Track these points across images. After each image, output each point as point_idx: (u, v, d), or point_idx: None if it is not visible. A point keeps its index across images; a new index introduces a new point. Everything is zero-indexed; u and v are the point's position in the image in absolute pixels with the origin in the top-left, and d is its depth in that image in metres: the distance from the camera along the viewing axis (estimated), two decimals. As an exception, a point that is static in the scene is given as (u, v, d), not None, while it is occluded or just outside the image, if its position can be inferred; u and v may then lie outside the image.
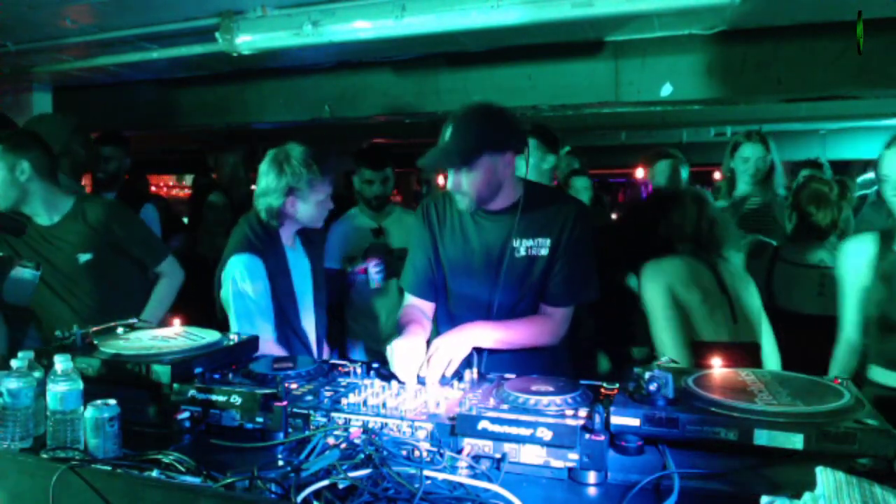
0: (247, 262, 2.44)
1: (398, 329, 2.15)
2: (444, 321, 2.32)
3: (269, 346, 2.41)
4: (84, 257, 2.75)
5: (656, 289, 2.39)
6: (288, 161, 2.50)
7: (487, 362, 2.17)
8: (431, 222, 2.33)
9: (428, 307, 2.33)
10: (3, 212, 2.60)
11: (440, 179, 5.89)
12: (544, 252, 2.21)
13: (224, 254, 2.53)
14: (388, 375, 1.84)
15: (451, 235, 2.29)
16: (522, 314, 2.23)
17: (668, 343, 2.33)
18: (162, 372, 1.72)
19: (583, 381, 1.69)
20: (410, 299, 2.35)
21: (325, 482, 1.28)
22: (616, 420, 1.44)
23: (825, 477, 1.24)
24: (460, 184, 2.13)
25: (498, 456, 1.46)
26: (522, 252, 2.21)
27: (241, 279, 2.43)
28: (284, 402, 1.60)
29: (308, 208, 2.55)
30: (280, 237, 2.59)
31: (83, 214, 2.77)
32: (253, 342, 2.07)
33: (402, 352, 1.87)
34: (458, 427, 1.48)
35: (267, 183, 2.51)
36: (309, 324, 2.67)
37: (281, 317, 2.51)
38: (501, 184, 2.17)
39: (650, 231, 2.59)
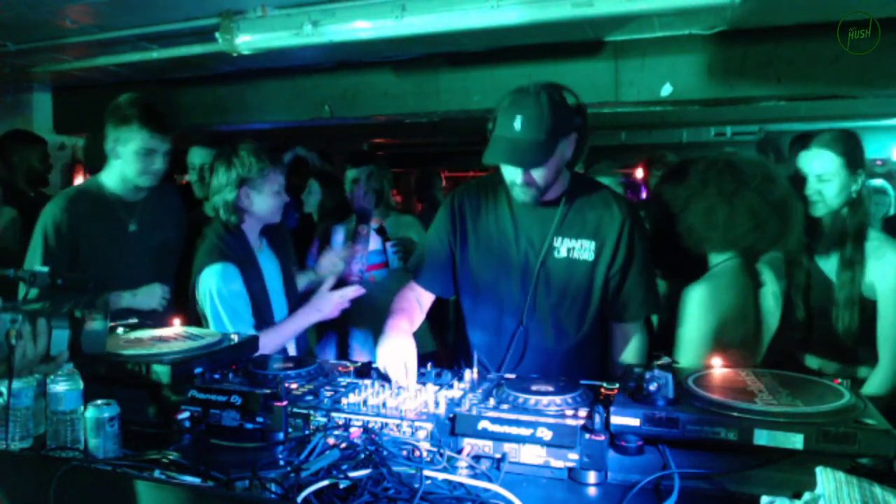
0: (221, 270, 2.38)
1: (389, 315, 2.09)
2: (474, 320, 2.22)
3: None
4: None
5: None
6: (235, 153, 2.45)
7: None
8: (464, 215, 2.18)
9: (427, 298, 2.25)
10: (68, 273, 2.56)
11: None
12: (587, 256, 2.06)
13: (195, 266, 2.46)
14: (387, 377, 1.83)
15: (487, 229, 2.15)
16: (559, 320, 2.10)
17: None
18: (162, 372, 1.72)
19: (583, 381, 1.69)
20: (413, 284, 2.25)
21: (326, 482, 1.28)
22: (616, 420, 1.44)
23: (825, 477, 1.24)
24: (533, 178, 1.95)
25: (498, 456, 1.46)
26: (563, 253, 2.06)
27: (218, 290, 2.36)
28: (284, 402, 1.60)
29: (262, 199, 2.48)
30: (247, 239, 2.53)
31: None
32: (253, 342, 2.07)
33: (390, 355, 1.82)
34: (457, 427, 1.48)
35: (218, 179, 2.46)
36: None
37: (258, 319, 2.47)
38: (562, 169, 2.03)
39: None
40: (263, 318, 2.49)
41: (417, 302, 2.23)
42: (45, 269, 1.55)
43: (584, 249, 2.06)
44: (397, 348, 1.83)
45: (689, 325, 2.11)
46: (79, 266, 2.58)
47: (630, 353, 2.16)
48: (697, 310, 2.11)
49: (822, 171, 2.35)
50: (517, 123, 1.86)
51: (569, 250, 2.07)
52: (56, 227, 2.53)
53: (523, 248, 2.10)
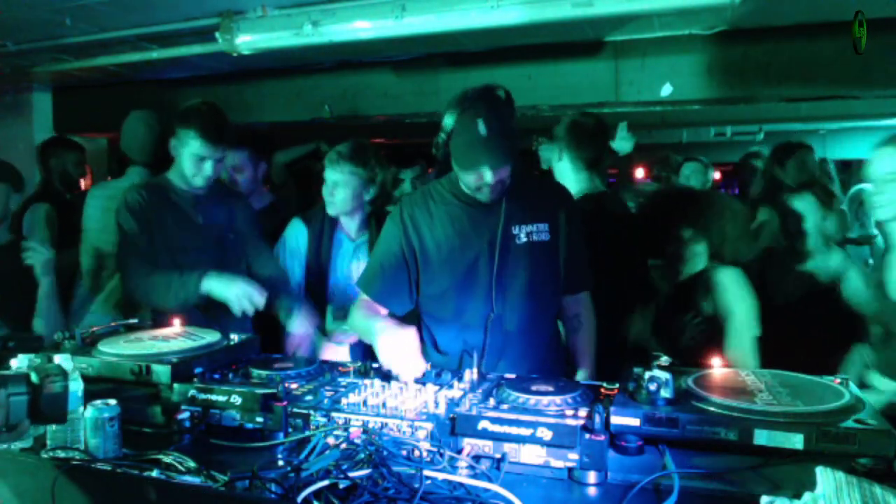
0: (294, 225, 2.93)
1: (363, 320, 2.07)
2: (447, 324, 2.22)
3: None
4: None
5: None
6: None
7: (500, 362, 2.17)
8: (417, 225, 2.18)
9: (382, 313, 2.19)
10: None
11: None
12: (545, 237, 2.17)
13: None
14: (388, 375, 1.82)
15: (445, 234, 2.16)
16: (534, 305, 2.18)
17: None
18: (162, 372, 1.73)
19: (584, 382, 1.69)
20: (367, 301, 2.21)
21: (325, 482, 1.28)
22: (616, 420, 1.44)
23: (825, 477, 1.24)
24: (503, 175, 2.01)
25: (498, 456, 1.46)
26: (523, 238, 2.15)
27: (286, 235, 2.94)
28: (284, 402, 1.60)
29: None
30: (335, 223, 2.87)
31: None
32: (253, 342, 2.07)
33: (394, 347, 1.78)
34: (457, 427, 1.48)
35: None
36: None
37: (310, 293, 2.83)
38: None
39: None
40: (314, 296, 2.84)
41: (379, 312, 2.19)
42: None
43: (541, 232, 2.17)
44: (399, 339, 1.79)
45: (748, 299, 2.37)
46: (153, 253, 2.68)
47: (588, 320, 2.32)
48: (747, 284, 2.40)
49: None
50: (481, 127, 1.92)
51: (528, 234, 2.15)
52: (132, 213, 2.65)
53: (485, 243, 2.14)
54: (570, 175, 3.08)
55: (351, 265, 2.86)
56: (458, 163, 2.02)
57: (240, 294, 2.43)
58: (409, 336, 1.83)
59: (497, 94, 2.01)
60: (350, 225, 2.89)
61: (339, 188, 2.73)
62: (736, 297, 2.39)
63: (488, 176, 1.99)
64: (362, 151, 2.73)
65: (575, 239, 2.24)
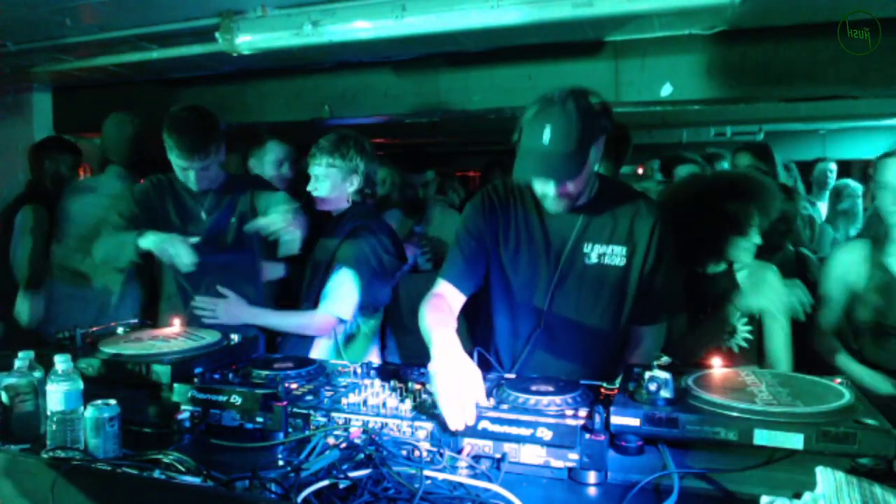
0: None
1: (428, 325, 1.80)
2: (498, 324, 2.12)
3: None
4: None
5: None
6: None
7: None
8: (496, 214, 2.07)
9: (459, 301, 2.03)
10: None
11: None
12: (619, 262, 2.00)
13: None
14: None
15: (517, 235, 2.06)
16: (591, 325, 2.03)
17: None
18: (162, 372, 1.73)
19: (583, 382, 1.69)
20: (442, 287, 2.04)
21: (325, 482, 1.28)
22: (616, 420, 1.44)
23: (825, 477, 1.24)
24: (567, 189, 1.88)
25: (498, 456, 1.46)
26: (594, 259, 2.00)
27: None
28: (284, 402, 1.60)
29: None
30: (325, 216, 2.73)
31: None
32: (253, 342, 2.07)
33: (452, 385, 1.49)
34: (458, 427, 1.48)
35: None
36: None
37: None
38: (592, 175, 1.97)
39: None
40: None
41: (452, 309, 1.99)
42: None
43: (615, 255, 2.01)
44: (459, 376, 1.52)
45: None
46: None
47: (639, 355, 2.07)
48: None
49: None
50: (546, 135, 1.79)
51: (600, 256, 2.01)
52: (136, 202, 2.69)
53: (553, 255, 2.02)
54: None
55: None
56: (515, 165, 1.86)
57: (166, 248, 2.36)
58: (471, 369, 1.57)
59: (583, 102, 1.82)
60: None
61: (321, 182, 2.59)
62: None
63: (546, 188, 1.91)
64: (342, 143, 2.60)
65: (655, 267, 2.03)
